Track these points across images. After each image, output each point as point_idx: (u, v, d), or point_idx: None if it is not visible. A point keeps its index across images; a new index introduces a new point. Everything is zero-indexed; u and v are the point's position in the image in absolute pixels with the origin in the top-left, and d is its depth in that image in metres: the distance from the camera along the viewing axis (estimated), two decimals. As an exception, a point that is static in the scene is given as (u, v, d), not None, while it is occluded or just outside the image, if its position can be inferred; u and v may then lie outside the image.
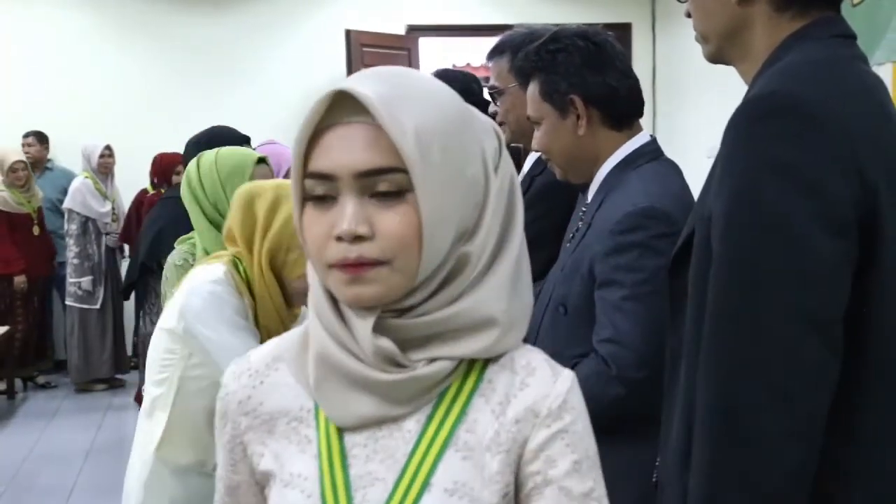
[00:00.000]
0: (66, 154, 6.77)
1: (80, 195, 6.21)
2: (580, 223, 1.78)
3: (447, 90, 0.90)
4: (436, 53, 7.64)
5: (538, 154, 2.06)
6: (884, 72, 3.88)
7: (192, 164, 2.16)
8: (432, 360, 0.88)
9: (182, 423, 1.77)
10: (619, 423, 1.59)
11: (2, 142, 6.43)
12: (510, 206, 0.92)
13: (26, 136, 6.65)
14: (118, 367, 6.43)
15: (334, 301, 0.89)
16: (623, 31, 6.97)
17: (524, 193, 2.16)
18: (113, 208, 6.37)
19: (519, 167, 2.40)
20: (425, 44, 7.41)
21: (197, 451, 1.78)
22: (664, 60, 7.24)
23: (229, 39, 7.08)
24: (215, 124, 3.18)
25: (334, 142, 0.85)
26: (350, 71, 6.45)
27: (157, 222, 4.09)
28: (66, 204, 6.25)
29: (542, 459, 0.88)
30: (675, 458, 1.21)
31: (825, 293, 1.06)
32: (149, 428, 1.81)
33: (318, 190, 0.86)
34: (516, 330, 0.92)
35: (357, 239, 0.84)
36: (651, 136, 1.80)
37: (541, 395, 0.90)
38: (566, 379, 0.92)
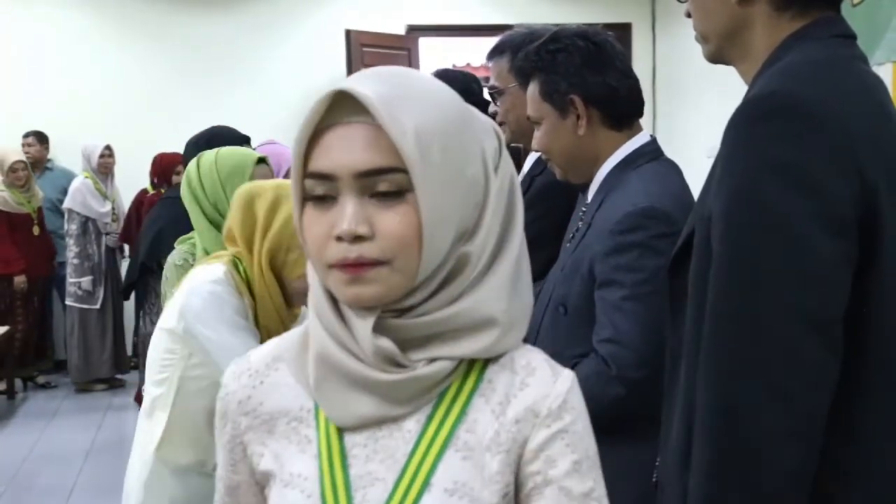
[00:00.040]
0: (66, 154, 6.77)
1: (80, 195, 6.21)
2: (580, 223, 1.78)
3: (447, 90, 0.90)
4: (436, 53, 7.64)
5: (538, 154, 2.06)
6: (884, 72, 3.88)
7: (192, 164, 2.16)
8: (432, 360, 0.88)
9: (182, 423, 1.77)
10: (619, 422, 1.59)
11: (2, 142, 6.43)
12: (510, 206, 0.92)
13: (26, 136, 6.66)
14: (118, 367, 6.43)
15: (334, 301, 0.89)
16: (623, 31, 6.98)
17: (524, 193, 2.16)
18: (113, 208, 6.37)
19: (519, 167, 2.40)
20: (425, 44, 7.41)
21: (197, 451, 1.78)
22: (664, 60, 7.24)
23: (229, 39, 7.08)
24: (215, 124, 3.18)
25: (334, 142, 0.85)
26: (350, 71, 6.45)
27: (157, 222, 4.09)
28: (66, 204, 6.25)
29: (542, 459, 0.88)
30: (675, 458, 1.21)
31: (825, 293, 1.06)
32: (149, 428, 1.81)
33: (318, 190, 0.86)
34: (516, 330, 0.92)
35: (357, 239, 0.84)
36: (651, 135, 1.80)
37: (541, 395, 0.90)
38: (566, 379, 0.92)
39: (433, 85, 0.89)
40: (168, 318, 1.79)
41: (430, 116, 0.85)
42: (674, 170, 1.77)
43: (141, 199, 6.14)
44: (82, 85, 6.90)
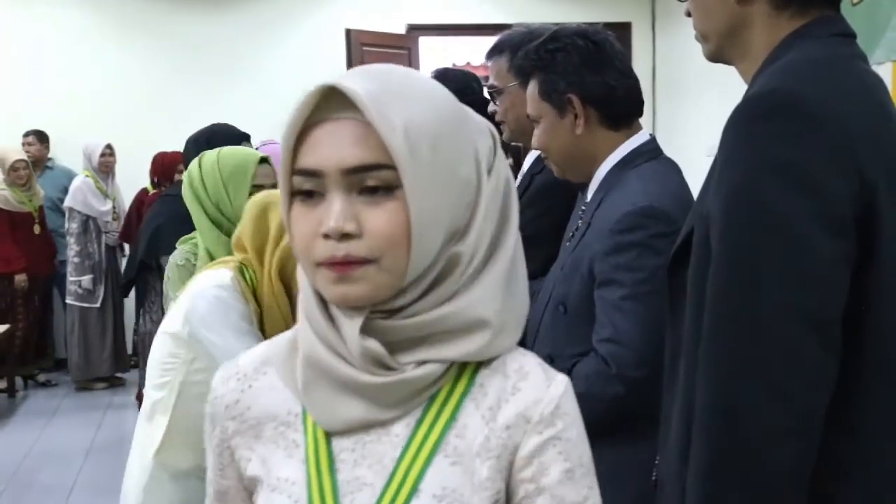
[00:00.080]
0: (67, 153, 6.78)
1: (80, 194, 6.22)
2: (580, 222, 1.78)
3: (441, 89, 0.89)
4: (436, 53, 7.64)
5: (538, 153, 2.06)
6: (883, 71, 3.88)
7: (194, 163, 2.16)
8: (421, 363, 0.86)
9: (183, 428, 1.77)
10: (618, 422, 1.60)
11: (2, 141, 6.44)
12: (505, 207, 0.90)
13: (26, 135, 6.66)
14: (118, 366, 6.44)
15: (324, 303, 0.88)
16: (623, 30, 6.97)
17: (524, 192, 2.17)
18: (114, 207, 6.39)
19: (519, 165, 2.40)
20: (425, 43, 7.41)
21: (197, 455, 1.78)
22: (664, 59, 7.24)
23: (229, 38, 7.08)
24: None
25: (322, 137, 0.84)
26: (350, 70, 6.44)
27: (156, 220, 4.09)
28: (67, 203, 6.27)
29: (534, 467, 0.86)
30: (673, 457, 1.21)
31: (825, 293, 1.06)
32: (148, 431, 1.81)
33: (306, 186, 0.85)
34: (509, 333, 0.90)
35: (344, 237, 0.82)
36: (650, 135, 1.80)
37: (533, 400, 0.87)
38: (559, 384, 0.89)
39: (425, 83, 0.88)
40: (172, 322, 1.78)
41: (421, 114, 0.83)
42: (673, 169, 1.77)
43: (142, 199, 6.15)
44: (82, 84, 6.90)
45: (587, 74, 1.72)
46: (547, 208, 2.09)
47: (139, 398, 5.00)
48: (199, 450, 1.76)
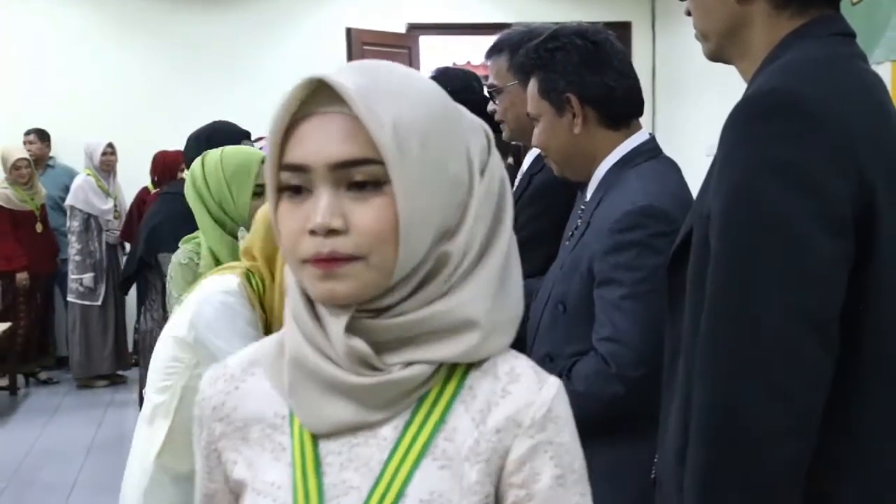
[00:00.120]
0: (68, 152, 6.78)
1: (82, 192, 6.23)
2: (579, 221, 1.78)
3: (433, 87, 0.87)
4: (436, 52, 7.64)
5: (537, 152, 2.07)
6: (883, 70, 3.88)
7: (197, 163, 2.16)
8: (409, 364, 0.84)
9: (184, 431, 1.76)
10: (618, 421, 1.61)
11: (4, 140, 6.45)
12: (498, 208, 0.89)
13: (28, 133, 6.67)
14: (119, 364, 6.45)
15: (311, 303, 0.86)
16: (623, 29, 6.97)
17: (523, 191, 2.17)
18: (115, 205, 6.40)
19: (519, 164, 2.41)
20: (426, 42, 7.41)
21: None
22: (664, 59, 7.24)
23: (230, 37, 7.08)
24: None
25: (309, 132, 0.82)
26: (350, 69, 6.43)
27: (155, 217, 4.10)
28: (69, 201, 6.28)
29: (525, 472, 0.85)
30: (671, 454, 1.21)
31: (824, 293, 1.06)
32: (149, 434, 1.81)
33: (293, 182, 0.83)
34: (500, 335, 0.88)
35: (331, 233, 0.80)
36: (650, 134, 1.81)
37: (524, 403, 0.85)
38: (551, 387, 0.87)
39: (418, 81, 0.87)
40: (177, 327, 1.78)
41: (411, 110, 0.82)
42: (672, 168, 1.77)
43: (143, 198, 6.16)
44: (83, 83, 6.90)
45: (586, 74, 1.72)
46: (546, 207, 2.09)
47: (143, 396, 5.00)
48: (200, 454, 1.77)
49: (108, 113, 6.80)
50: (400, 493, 0.83)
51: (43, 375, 6.54)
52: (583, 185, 1.81)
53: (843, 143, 1.08)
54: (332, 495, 0.85)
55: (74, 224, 6.23)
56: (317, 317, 0.86)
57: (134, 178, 6.37)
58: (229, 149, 2.19)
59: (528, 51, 1.81)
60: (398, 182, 0.80)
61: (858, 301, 1.09)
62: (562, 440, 0.86)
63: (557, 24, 1.89)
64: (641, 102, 1.80)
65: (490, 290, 0.86)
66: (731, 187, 1.09)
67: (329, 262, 0.81)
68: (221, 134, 2.96)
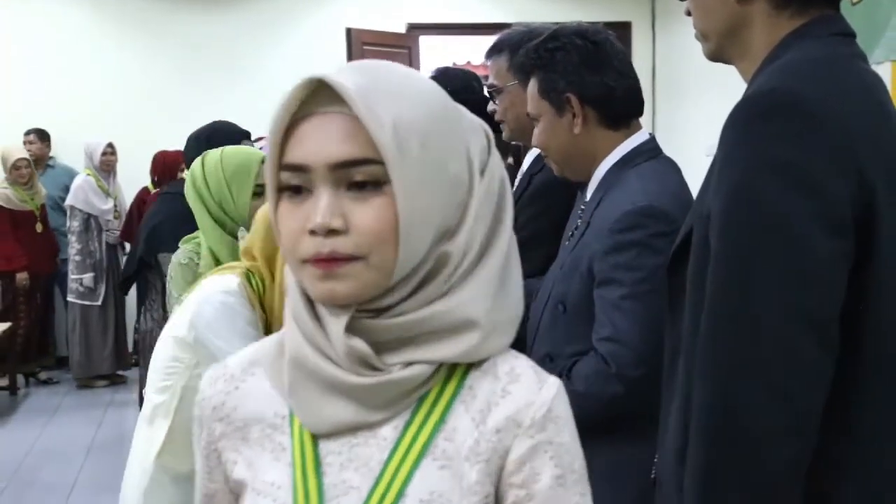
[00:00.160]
0: (68, 152, 6.79)
1: (82, 192, 6.24)
2: (579, 221, 1.78)
3: (433, 87, 0.87)
4: (436, 52, 7.64)
5: (537, 152, 2.07)
6: (883, 70, 3.88)
7: (197, 162, 2.17)
8: (409, 364, 0.84)
9: (184, 431, 1.76)
10: (618, 421, 1.61)
11: (4, 140, 6.45)
12: (498, 208, 0.89)
13: (27, 133, 6.68)
14: (119, 364, 6.46)
15: (311, 303, 0.86)
16: (623, 29, 6.97)
17: (523, 191, 2.17)
18: (115, 205, 6.40)
19: (519, 164, 2.41)
20: (426, 42, 7.41)
21: None
22: (664, 59, 7.24)
23: (230, 37, 7.08)
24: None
25: (309, 132, 0.82)
26: (350, 69, 6.43)
27: (155, 217, 4.10)
28: (69, 201, 6.28)
29: (525, 472, 0.85)
30: (671, 454, 1.21)
31: (824, 293, 1.06)
32: (149, 434, 1.81)
33: (293, 182, 0.83)
34: (500, 335, 0.88)
35: (331, 233, 0.80)
36: (650, 134, 1.81)
37: (524, 403, 0.85)
38: (551, 386, 0.87)
39: (418, 81, 0.87)
40: (177, 327, 1.78)
41: (411, 110, 0.82)
42: (672, 168, 1.78)
43: (143, 198, 6.16)
44: (83, 83, 6.91)
45: (586, 74, 1.72)
46: (546, 207, 2.09)
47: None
48: (200, 454, 1.77)
49: (107, 113, 6.80)
50: (400, 493, 0.83)
51: (43, 375, 6.54)
52: (583, 185, 1.81)
53: (843, 143, 1.08)
54: (332, 495, 0.85)
55: (74, 224, 6.24)
56: (317, 317, 0.86)
57: (134, 178, 6.37)
58: (229, 149, 2.19)
59: (528, 51, 1.81)
60: (398, 182, 0.80)
61: (858, 301, 1.09)
62: (562, 440, 0.86)
63: (557, 24, 1.89)
64: (641, 102, 1.80)
65: (490, 290, 0.86)
66: (731, 187, 1.09)
67: (329, 262, 0.81)
68: (221, 134, 2.97)
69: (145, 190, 6.19)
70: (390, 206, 0.81)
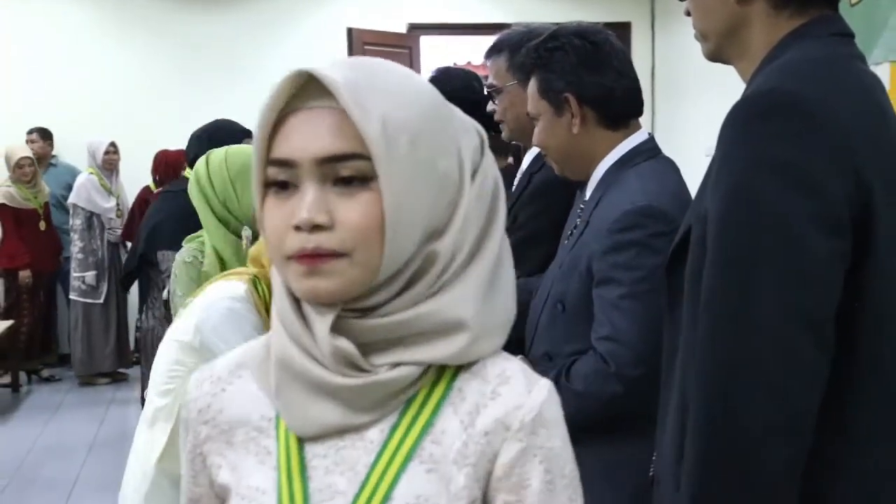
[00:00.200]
0: (70, 151, 6.79)
1: (84, 191, 6.26)
2: (578, 220, 1.78)
3: (425, 86, 0.86)
4: (437, 52, 7.64)
5: (537, 151, 2.08)
6: (881, 71, 3.88)
7: (201, 162, 2.17)
8: (396, 365, 0.82)
9: None
10: (616, 420, 1.61)
11: (6, 139, 6.46)
12: (491, 209, 0.87)
13: (30, 132, 6.69)
14: (121, 362, 6.47)
15: (297, 303, 0.85)
16: (622, 29, 6.97)
17: (523, 190, 2.18)
18: (117, 204, 6.41)
19: (518, 164, 2.41)
20: (426, 42, 7.41)
21: None
22: (663, 59, 7.24)
23: (230, 36, 7.08)
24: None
25: (296, 126, 0.81)
26: (352, 68, 6.43)
27: (155, 216, 4.11)
28: (71, 199, 6.30)
29: (514, 477, 0.83)
30: (669, 452, 1.21)
31: (821, 293, 1.06)
32: (150, 437, 1.81)
33: (280, 177, 0.81)
34: (490, 337, 0.86)
35: (316, 228, 0.79)
36: (649, 134, 1.81)
37: (513, 406, 0.83)
38: (542, 389, 0.85)
39: (409, 79, 0.85)
40: (182, 331, 1.78)
41: (401, 108, 0.80)
42: (671, 168, 1.78)
43: (145, 196, 6.15)
44: (84, 82, 6.91)
45: (585, 74, 1.72)
46: (546, 206, 2.09)
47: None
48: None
49: (109, 112, 6.80)
50: (386, 497, 0.82)
51: (45, 373, 6.55)
52: (582, 185, 1.82)
53: (841, 143, 1.08)
54: (317, 500, 0.83)
55: (77, 222, 6.25)
56: (303, 316, 0.84)
57: (135, 177, 6.37)
58: (234, 148, 2.19)
59: (528, 51, 1.82)
60: (385, 177, 0.79)
61: (854, 301, 1.09)
62: (552, 444, 0.84)
63: (557, 24, 1.90)
64: (641, 102, 1.80)
65: (480, 292, 0.84)
66: (730, 187, 1.09)
67: (313, 259, 0.80)
68: (223, 132, 2.98)
69: (147, 189, 6.19)
70: (377, 203, 0.79)
